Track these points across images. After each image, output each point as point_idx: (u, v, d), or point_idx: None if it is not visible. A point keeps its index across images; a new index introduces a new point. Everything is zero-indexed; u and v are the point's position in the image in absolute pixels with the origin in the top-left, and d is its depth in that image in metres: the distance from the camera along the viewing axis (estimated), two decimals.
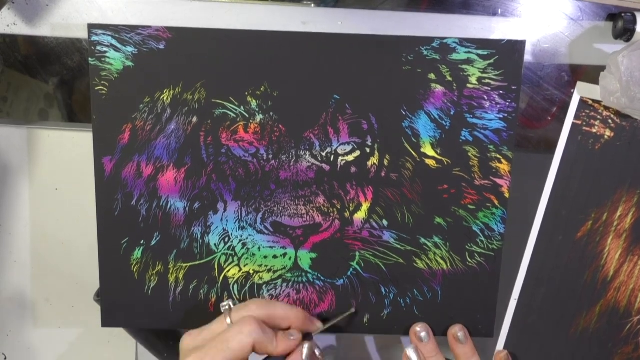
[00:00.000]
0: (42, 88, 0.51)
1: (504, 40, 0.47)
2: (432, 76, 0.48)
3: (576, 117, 0.48)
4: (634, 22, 0.47)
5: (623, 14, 0.48)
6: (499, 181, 0.49)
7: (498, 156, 0.48)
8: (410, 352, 0.48)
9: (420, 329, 0.49)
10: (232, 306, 0.45)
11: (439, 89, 0.48)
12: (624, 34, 0.48)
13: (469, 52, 0.47)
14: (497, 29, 0.50)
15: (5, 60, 0.50)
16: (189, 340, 0.44)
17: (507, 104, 0.48)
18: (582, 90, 0.48)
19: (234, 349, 0.41)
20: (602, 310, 0.50)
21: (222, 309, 0.45)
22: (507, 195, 0.49)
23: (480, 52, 0.47)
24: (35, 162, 0.53)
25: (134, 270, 0.49)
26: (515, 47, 0.47)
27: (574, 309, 0.50)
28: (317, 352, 0.46)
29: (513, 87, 0.48)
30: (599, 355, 0.50)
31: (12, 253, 0.55)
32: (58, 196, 0.54)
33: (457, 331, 0.49)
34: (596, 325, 0.50)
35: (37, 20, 0.49)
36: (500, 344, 0.51)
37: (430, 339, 0.49)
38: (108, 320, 0.50)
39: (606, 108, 0.48)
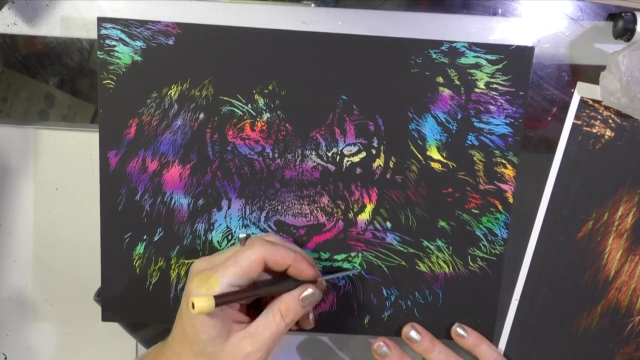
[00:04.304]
0: (42, 88, 0.51)
1: (512, 45, 0.47)
2: (440, 79, 0.48)
3: (576, 117, 0.48)
4: (634, 21, 0.47)
5: (623, 14, 0.48)
6: (503, 186, 0.49)
7: (503, 161, 0.48)
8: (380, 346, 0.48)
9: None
10: (249, 236, 0.44)
11: (446, 92, 0.48)
12: (624, 33, 0.48)
13: (478, 57, 0.47)
14: (498, 28, 0.50)
15: (5, 60, 0.50)
16: (200, 263, 0.43)
17: (514, 109, 0.48)
18: (582, 90, 0.48)
19: (241, 263, 0.40)
20: (604, 310, 0.50)
21: (240, 236, 0.44)
22: (511, 200, 0.49)
23: (488, 57, 0.47)
24: (35, 162, 0.53)
25: (136, 265, 0.49)
26: (523, 53, 0.47)
27: (575, 309, 0.50)
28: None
29: (520, 93, 0.48)
30: (600, 355, 0.50)
31: (12, 253, 0.55)
32: (58, 196, 0.54)
33: (408, 332, 0.49)
34: (597, 325, 0.50)
35: (37, 20, 0.49)
36: (502, 344, 0.51)
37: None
38: (108, 315, 0.50)
39: (606, 108, 0.48)
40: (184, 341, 0.41)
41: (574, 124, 0.48)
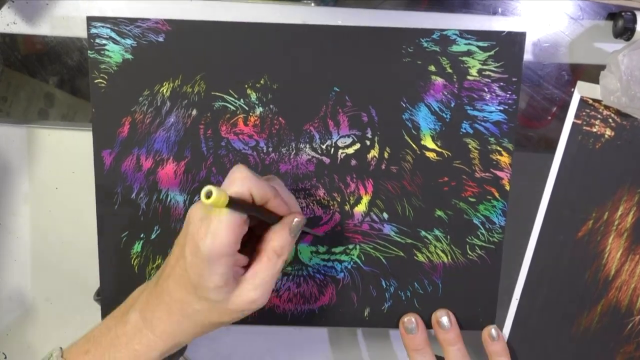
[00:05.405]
0: (42, 87, 0.51)
1: (504, 32, 0.47)
2: (432, 68, 0.48)
3: (576, 116, 0.48)
4: (634, 21, 0.47)
5: (623, 13, 0.48)
6: (499, 173, 0.49)
7: (498, 148, 0.48)
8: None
9: (408, 320, 0.49)
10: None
11: (439, 80, 0.48)
12: (624, 33, 0.48)
13: (469, 44, 0.47)
14: (497, 27, 0.50)
15: (5, 60, 0.50)
16: (197, 209, 0.39)
17: (508, 95, 0.48)
18: (582, 90, 0.48)
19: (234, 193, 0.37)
20: (604, 310, 0.50)
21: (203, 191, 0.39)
22: (507, 187, 0.49)
23: (480, 43, 0.47)
24: (35, 162, 0.53)
25: (134, 264, 0.49)
26: (515, 39, 0.47)
27: (575, 308, 0.50)
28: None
29: (513, 79, 0.48)
30: (600, 354, 0.50)
31: (12, 252, 0.55)
32: (58, 195, 0.54)
33: (440, 316, 0.49)
34: (598, 325, 0.50)
35: (37, 19, 0.49)
36: None
37: (420, 330, 0.49)
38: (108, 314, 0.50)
39: (606, 107, 0.48)
40: (186, 286, 0.39)
41: (574, 123, 0.48)
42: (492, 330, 0.49)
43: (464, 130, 0.48)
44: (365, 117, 0.48)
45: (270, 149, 0.48)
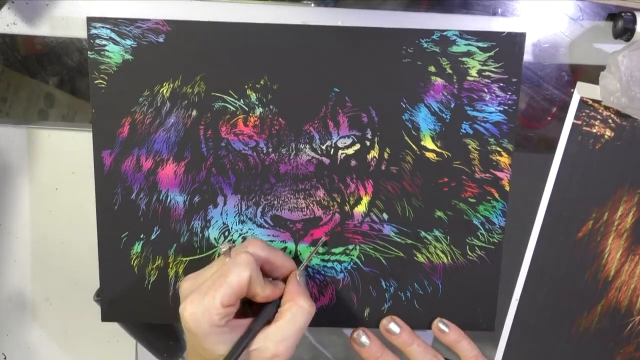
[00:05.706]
0: (42, 88, 0.51)
1: (504, 32, 0.47)
2: (432, 69, 0.48)
3: (576, 117, 0.48)
4: (634, 21, 0.47)
5: (623, 14, 0.48)
6: (499, 174, 0.49)
7: (498, 149, 0.48)
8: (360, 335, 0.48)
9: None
10: (232, 247, 0.43)
11: (439, 81, 0.48)
12: (624, 33, 0.48)
13: (469, 45, 0.47)
14: (497, 28, 0.50)
15: (5, 60, 0.50)
16: (188, 284, 0.43)
17: (508, 96, 0.48)
18: (582, 90, 0.48)
19: (231, 283, 0.40)
20: (604, 310, 0.50)
21: (222, 250, 0.43)
22: (507, 188, 0.49)
23: (480, 44, 0.47)
24: (35, 162, 0.53)
25: (134, 264, 0.49)
26: (515, 40, 0.47)
27: (575, 308, 0.50)
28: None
29: (513, 80, 0.48)
30: (600, 355, 0.50)
31: (12, 253, 0.55)
32: (58, 196, 0.54)
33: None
34: (597, 325, 0.50)
35: (37, 19, 0.49)
36: (502, 344, 0.51)
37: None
38: (108, 315, 0.50)
39: (606, 108, 0.48)
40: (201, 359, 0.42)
41: (573, 123, 0.48)
42: (439, 324, 0.49)
43: (464, 131, 0.48)
44: (365, 117, 0.48)
45: (270, 150, 0.48)
